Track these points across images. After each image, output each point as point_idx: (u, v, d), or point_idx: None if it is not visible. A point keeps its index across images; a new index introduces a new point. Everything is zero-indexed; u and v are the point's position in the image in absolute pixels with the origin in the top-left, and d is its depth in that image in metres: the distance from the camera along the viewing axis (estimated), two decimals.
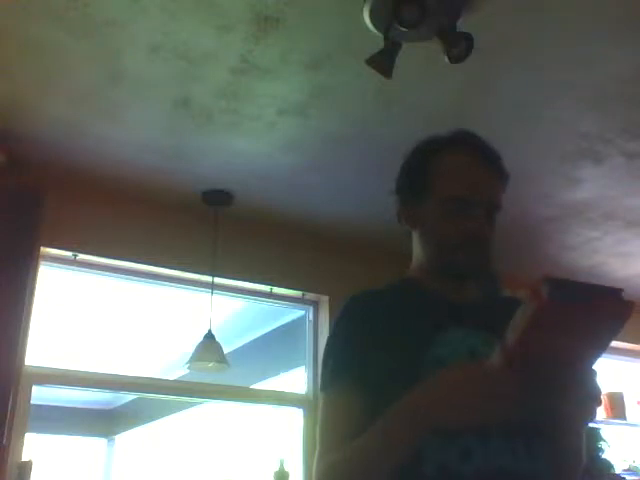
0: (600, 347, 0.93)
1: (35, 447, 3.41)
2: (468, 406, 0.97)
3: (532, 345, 0.91)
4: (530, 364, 0.93)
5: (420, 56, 2.34)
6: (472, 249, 1.19)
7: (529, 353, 0.92)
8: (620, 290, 0.87)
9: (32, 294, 3.07)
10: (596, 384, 1.01)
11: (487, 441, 1.07)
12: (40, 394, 3.31)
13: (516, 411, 0.96)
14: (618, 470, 4.27)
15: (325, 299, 3.95)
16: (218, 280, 3.55)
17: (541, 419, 1.06)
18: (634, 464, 4.50)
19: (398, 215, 1.31)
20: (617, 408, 4.69)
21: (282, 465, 3.40)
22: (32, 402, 3.08)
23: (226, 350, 3.43)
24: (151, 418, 6.42)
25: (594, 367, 0.99)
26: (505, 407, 0.95)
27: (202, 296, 3.64)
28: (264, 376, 4.72)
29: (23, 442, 2.96)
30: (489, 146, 1.25)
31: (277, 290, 3.88)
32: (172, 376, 4.46)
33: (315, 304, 4.03)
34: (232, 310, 4.31)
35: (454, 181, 1.22)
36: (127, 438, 7.10)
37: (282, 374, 4.59)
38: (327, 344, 1.24)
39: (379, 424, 1.06)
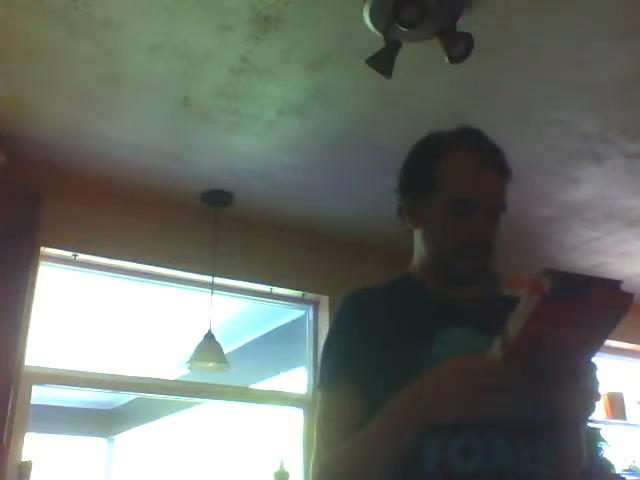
0: (600, 339, 0.94)
1: (35, 447, 3.41)
2: (468, 399, 0.96)
3: (533, 338, 0.91)
4: (531, 356, 0.93)
5: (420, 56, 2.34)
6: (474, 253, 1.18)
7: (530, 346, 0.92)
8: (619, 282, 0.88)
9: (32, 294, 3.07)
10: (596, 377, 1.01)
11: (489, 440, 1.07)
12: (40, 394, 3.31)
13: (517, 404, 0.95)
14: (618, 470, 4.27)
15: (325, 299, 3.95)
16: (218, 280, 3.55)
17: (540, 413, 1.05)
18: (634, 464, 4.50)
19: (400, 212, 1.30)
20: (617, 408, 4.69)
21: (282, 465, 3.41)
22: (32, 402, 3.08)
23: (226, 350, 3.43)
24: (151, 418, 6.42)
25: (594, 361, 1.00)
26: (506, 400, 0.95)
27: (202, 296, 3.64)
28: (264, 376, 4.73)
29: (23, 442, 2.96)
30: (494, 145, 1.23)
31: (277, 290, 3.88)
32: (172, 376, 4.46)
33: (315, 304, 4.03)
34: (232, 310, 4.31)
35: (461, 183, 1.20)
36: (127, 438, 7.10)
37: (282, 374, 4.59)
38: (326, 342, 1.24)
39: (376, 420, 1.06)
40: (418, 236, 1.28)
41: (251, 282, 3.77)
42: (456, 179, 1.21)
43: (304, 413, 3.75)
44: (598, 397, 1.02)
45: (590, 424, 4.06)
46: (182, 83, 2.58)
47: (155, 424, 6.45)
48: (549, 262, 4.28)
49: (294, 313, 4.22)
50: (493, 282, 1.30)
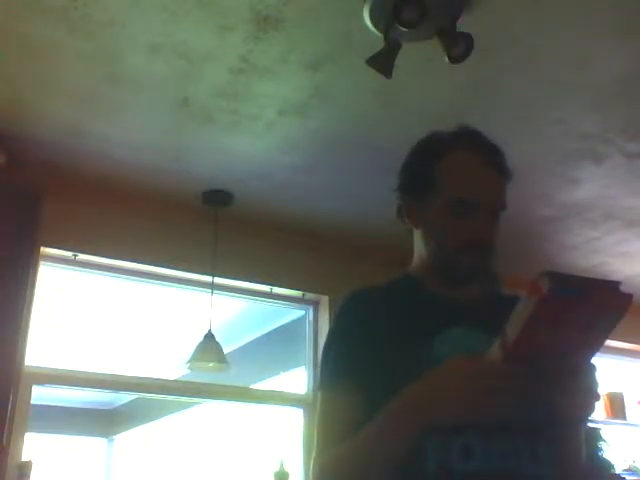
0: (599, 339, 0.94)
1: (35, 447, 3.41)
2: (468, 400, 0.96)
3: (532, 339, 0.91)
4: (530, 357, 0.93)
5: (420, 56, 2.34)
6: (475, 253, 1.18)
7: (529, 347, 0.92)
8: (618, 283, 0.88)
9: (32, 294, 3.07)
10: (595, 378, 1.01)
11: (489, 441, 1.07)
12: (40, 394, 3.31)
13: (517, 405, 0.96)
14: (618, 470, 4.27)
15: (325, 299, 3.95)
16: (218, 280, 3.55)
17: (540, 413, 1.05)
18: (634, 464, 4.50)
19: (399, 212, 1.30)
20: (617, 408, 4.69)
21: (282, 465, 3.41)
22: (32, 402, 3.08)
23: (226, 350, 3.43)
24: (151, 418, 6.43)
25: (593, 362, 1.00)
26: (506, 401, 0.95)
27: (202, 296, 3.64)
28: (264, 376, 4.73)
29: (23, 442, 2.96)
30: (494, 145, 1.23)
31: (277, 290, 3.88)
32: (172, 376, 4.46)
33: (315, 304, 4.03)
34: (232, 310, 4.31)
35: (461, 183, 1.20)
36: (127, 438, 7.10)
37: (282, 374, 4.59)
38: (326, 342, 1.24)
39: (377, 420, 1.06)
40: (418, 236, 1.28)
41: (251, 282, 3.77)
42: (456, 179, 1.21)
43: (304, 413, 3.75)
44: (598, 397, 1.02)
45: (590, 424, 4.07)
46: (182, 83, 2.58)
47: (155, 424, 6.45)
48: (549, 262, 4.28)
49: (294, 313, 4.22)
50: (493, 282, 1.30)
